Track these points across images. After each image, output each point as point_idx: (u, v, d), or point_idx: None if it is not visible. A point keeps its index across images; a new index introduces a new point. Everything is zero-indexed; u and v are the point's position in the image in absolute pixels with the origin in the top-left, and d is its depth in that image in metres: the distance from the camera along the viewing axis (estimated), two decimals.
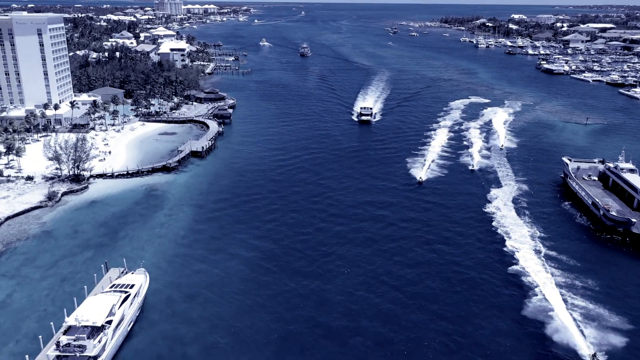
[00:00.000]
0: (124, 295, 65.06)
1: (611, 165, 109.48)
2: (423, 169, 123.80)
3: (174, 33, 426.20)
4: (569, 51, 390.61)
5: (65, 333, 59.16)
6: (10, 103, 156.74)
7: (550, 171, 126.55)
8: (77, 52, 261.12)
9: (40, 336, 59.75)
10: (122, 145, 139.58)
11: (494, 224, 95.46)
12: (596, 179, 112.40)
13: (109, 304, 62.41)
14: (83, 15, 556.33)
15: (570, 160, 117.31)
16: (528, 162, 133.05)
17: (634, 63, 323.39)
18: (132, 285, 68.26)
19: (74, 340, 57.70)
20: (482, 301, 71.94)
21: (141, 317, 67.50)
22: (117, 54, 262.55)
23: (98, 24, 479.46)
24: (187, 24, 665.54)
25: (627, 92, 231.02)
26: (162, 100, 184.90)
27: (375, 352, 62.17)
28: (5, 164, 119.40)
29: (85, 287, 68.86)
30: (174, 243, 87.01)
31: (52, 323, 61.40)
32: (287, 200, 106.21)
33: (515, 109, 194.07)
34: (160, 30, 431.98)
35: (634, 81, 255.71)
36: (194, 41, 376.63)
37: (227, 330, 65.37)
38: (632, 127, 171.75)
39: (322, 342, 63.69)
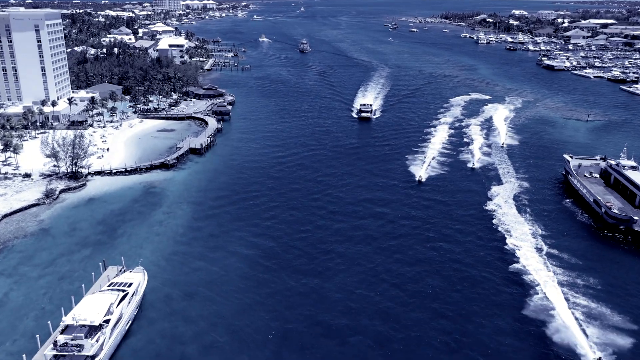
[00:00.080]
0: (121, 294, 64.59)
1: (613, 162, 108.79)
2: (423, 167, 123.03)
3: (173, 29, 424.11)
4: (570, 47, 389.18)
5: (62, 332, 58.73)
6: (8, 100, 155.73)
7: (551, 168, 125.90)
8: (75, 48, 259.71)
9: (37, 335, 59.27)
10: (121, 142, 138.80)
11: (494, 221, 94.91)
12: (598, 176, 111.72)
13: (107, 302, 61.94)
14: (81, 11, 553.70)
15: (571, 157, 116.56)
16: (529, 159, 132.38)
17: (635, 59, 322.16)
18: (130, 284, 67.75)
19: (72, 340, 57.26)
20: (482, 299, 71.47)
21: (139, 316, 67.03)
22: (116, 50, 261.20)
23: (96, 19, 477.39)
24: (185, 20, 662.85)
25: (628, 89, 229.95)
26: (160, 96, 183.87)
27: (375, 351, 61.74)
28: (3, 161, 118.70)
29: (83, 285, 68.40)
30: (172, 241, 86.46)
31: (49, 322, 60.98)
32: (287, 197, 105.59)
33: (516, 106, 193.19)
34: (159, 26, 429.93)
35: (636, 77, 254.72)
36: (193, 37, 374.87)
37: (226, 329, 64.92)
38: (634, 124, 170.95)
39: (322, 341, 63.26)
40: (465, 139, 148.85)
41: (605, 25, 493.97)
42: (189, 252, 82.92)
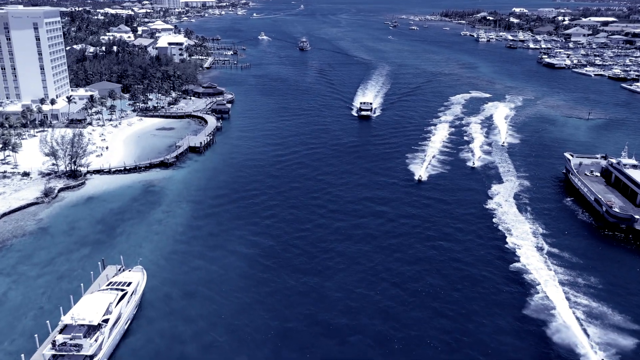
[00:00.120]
0: (120, 293, 64.36)
1: (614, 161, 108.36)
2: (423, 165, 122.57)
3: (172, 27, 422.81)
4: (571, 45, 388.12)
5: (61, 332, 58.52)
6: (7, 98, 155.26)
7: (551, 167, 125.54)
8: (74, 47, 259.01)
9: (36, 335, 59.05)
10: (120, 140, 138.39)
11: (495, 220, 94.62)
12: (598, 175, 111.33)
13: (106, 302, 61.70)
14: (80, 8, 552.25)
15: (572, 155, 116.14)
16: (529, 158, 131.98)
17: (636, 57, 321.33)
18: (129, 283, 67.48)
19: (70, 339, 57.05)
20: (483, 299, 71.23)
21: (138, 315, 66.80)
22: (115, 48, 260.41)
23: (95, 17, 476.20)
24: (185, 18, 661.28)
25: (629, 87, 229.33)
26: (160, 95, 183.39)
27: (375, 350, 61.51)
28: (2, 160, 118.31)
29: (82, 284, 68.14)
30: (171, 240, 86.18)
31: (48, 321, 60.74)
32: (286, 196, 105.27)
33: (516, 104, 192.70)
34: (158, 24, 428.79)
35: (637, 75, 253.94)
36: (192, 35, 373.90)
37: (226, 328, 64.71)
38: (635, 122, 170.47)
39: (322, 340, 63.03)
40: (465, 138, 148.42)
41: (605, 23, 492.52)
42: (188, 251, 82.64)
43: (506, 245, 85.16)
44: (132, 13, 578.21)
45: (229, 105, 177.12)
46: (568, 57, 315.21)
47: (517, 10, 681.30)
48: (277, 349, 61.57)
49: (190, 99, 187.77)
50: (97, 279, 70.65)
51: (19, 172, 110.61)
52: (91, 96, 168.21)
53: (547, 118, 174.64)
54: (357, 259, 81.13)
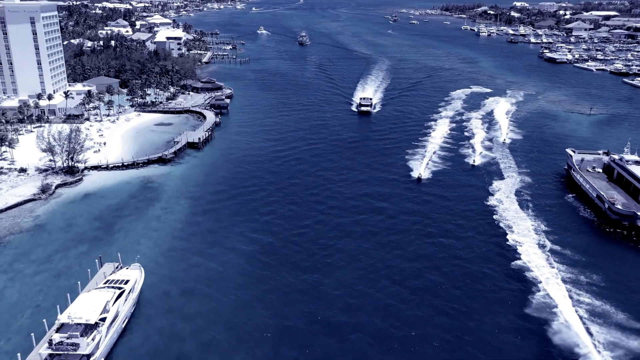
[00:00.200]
0: (118, 292, 63.64)
1: (616, 156, 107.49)
2: (423, 161, 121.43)
3: (170, 21, 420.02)
4: (572, 39, 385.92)
5: (58, 331, 57.82)
6: (3, 93, 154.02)
7: (553, 163, 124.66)
8: (72, 41, 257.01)
9: (32, 333, 58.45)
10: (117, 136, 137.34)
11: (495, 217, 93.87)
12: (601, 171, 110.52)
13: (103, 300, 60.97)
14: (78, 2, 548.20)
15: (574, 151, 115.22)
16: (531, 154, 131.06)
17: (638, 51, 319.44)
18: (127, 281, 66.76)
19: (67, 338, 56.37)
20: (484, 296, 70.61)
21: (136, 313, 66.17)
22: (113, 42, 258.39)
23: (93, 11, 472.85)
24: (183, 12, 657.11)
25: (631, 82, 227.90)
26: (158, 90, 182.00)
27: (375, 348, 60.95)
28: None
29: (79, 282, 67.35)
30: (170, 236, 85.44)
31: (44, 320, 60.01)
32: (286, 192, 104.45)
33: (517, 99, 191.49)
34: (157, 18, 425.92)
35: (639, 70, 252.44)
36: (191, 29, 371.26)
37: (225, 326, 64.13)
38: (637, 118, 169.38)
39: (321, 338, 62.47)
40: (466, 133, 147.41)
41: (607, 17, 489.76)
42: (186, 248, 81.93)
43: (507, 242, 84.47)
44: (130, 7, 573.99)
45: (227, 101, 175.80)
46: (569, 51, 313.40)
47: (518, 4, 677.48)
48: (276, 347, 61.01)
49: (189, 94, 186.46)
50: (94, 277, 69.91)
51: (15, 168, 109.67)
52: (89, 91, 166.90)
53: (548, 113, 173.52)
54: (357, 256, 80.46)
